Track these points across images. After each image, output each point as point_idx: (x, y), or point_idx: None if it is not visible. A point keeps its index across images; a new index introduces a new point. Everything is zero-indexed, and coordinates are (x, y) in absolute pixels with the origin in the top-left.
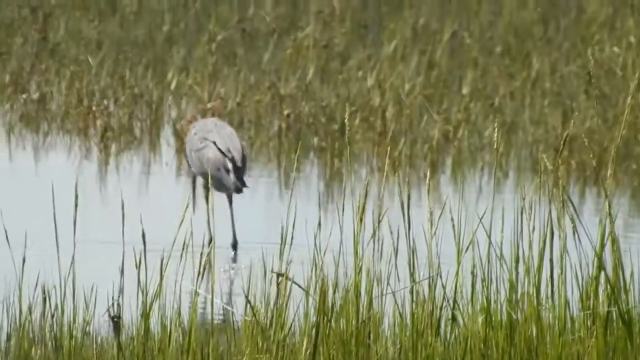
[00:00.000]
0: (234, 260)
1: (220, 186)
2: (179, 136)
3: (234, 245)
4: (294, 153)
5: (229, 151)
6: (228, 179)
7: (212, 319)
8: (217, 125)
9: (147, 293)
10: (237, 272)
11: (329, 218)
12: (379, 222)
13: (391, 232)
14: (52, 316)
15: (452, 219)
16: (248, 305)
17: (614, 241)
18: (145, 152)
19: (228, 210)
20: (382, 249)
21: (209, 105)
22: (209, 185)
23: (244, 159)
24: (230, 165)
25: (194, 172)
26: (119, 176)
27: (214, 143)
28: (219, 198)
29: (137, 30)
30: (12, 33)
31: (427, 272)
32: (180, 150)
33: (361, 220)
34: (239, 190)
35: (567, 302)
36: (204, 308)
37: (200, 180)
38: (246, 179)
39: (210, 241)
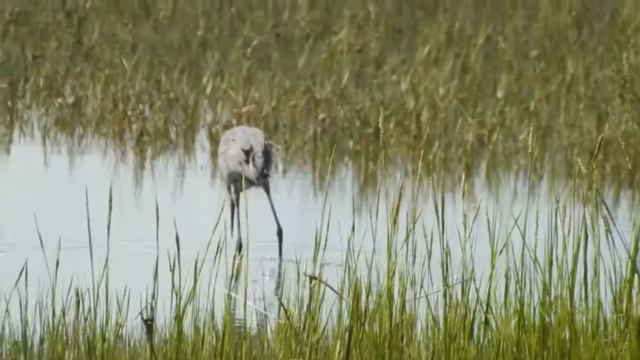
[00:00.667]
0: (268, 263)
1: (246, 179)
2: (214, 140)
3: (279, 234)
4: (328, 156)
5: (249, 143)
6: (248, 169)
7: (246, 322)
8: (244, 129)
9: (181, 296)
10: (270, 275)
11: (362, 221)
12: (413, 225)
13: (425, 235)
14: (85, 319)
15: (487, 221)
16: (281, 308)
17: None
18: (180, 156)
19: (267, 201)
20: (415, 252)
21: (243, 110)
22: (238, 185)
23: (266, 151)
24: (252, 156)
25: (226, 179)
26: (154, 180)
27: (233, 140)
28: (253, 198)
29: (172, 34)
30: (47, 37)
31: (461, 275)
32: (215, 154)
33: (395, 222)
34: (261, 178)
35: (600, 305)
36: (237, 311)
37: (232, 187)
38: (272, 172)
39: (240, 245)
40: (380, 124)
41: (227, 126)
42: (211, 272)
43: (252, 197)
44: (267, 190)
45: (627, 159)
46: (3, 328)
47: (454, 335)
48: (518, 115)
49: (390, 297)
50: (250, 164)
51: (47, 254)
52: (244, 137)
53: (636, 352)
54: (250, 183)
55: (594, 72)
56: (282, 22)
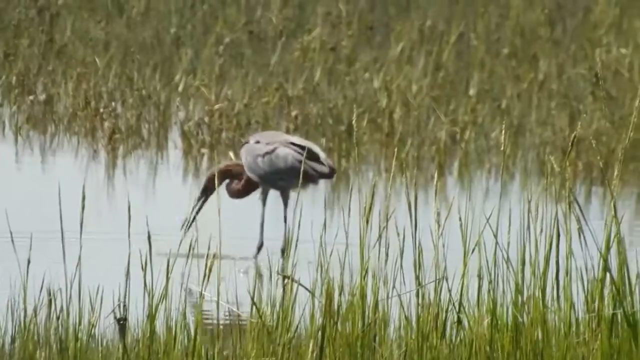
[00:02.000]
0: (240, 262)
1: (303, 181)
2: (187, 137)
3: (260, 247)
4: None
5: (305, 143)
6: (319, 165)
7: (218, 321)
8: (277, 134)
9: (153, 295)
10: (243, 273)
11: (335, 219)
12: (386, 223)
13: (398, 234)
14: (58, 318)
15: (460, 220)
16: (254, 307)
17: (620, 243)
18: (152, 154)
19: (282, 212)
20: (388, 250)
21: (215, 107)
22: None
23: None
24: (316, 149)
25: (261, 180)
26: (126, 178)
27: (273, 144)
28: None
29: (145, 31)
30: (19, 34)
31: (434, 274)
32: (188, 152)
33: (367, 221)
34: (332, 175)
35: (572, 305)
36: (210, 310)
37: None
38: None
39: (260, 246)
40: (353, 122)
41: (199, 124)
42: (183, 271)
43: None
44: (285, 201)
45: (599, 157)
46: None
47: (427, 335)
48: (490, 113)
49: (363, 296)
50: (320, 163)
51: (19, 253)
52: (290, 145)
53: (608, 351)
54: (296, 181)
55: (566, 70)
56: (255, 20)
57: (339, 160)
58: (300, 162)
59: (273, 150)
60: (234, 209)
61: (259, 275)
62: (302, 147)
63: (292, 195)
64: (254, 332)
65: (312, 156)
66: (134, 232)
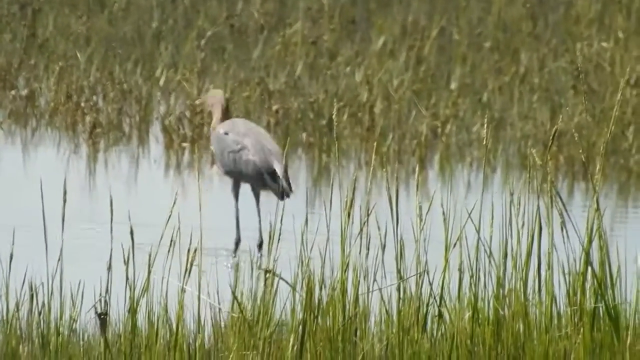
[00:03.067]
0: (223, 257)
1: (263, 187)
2: (168, 132)
3: (237, 242)
4: (282, 148)
5: (265, 159)
6: (275, 185)
7: (199, 315)
8: (249, 127)
9: (135, 289)
10: (225, 268)
11: (316, 213)
12: (367, 217)
13: (379, 228)
14: (39, 313)
15: (442, 214)
16: (235, 301)
17: (602, 237)
18: (134, 148)
19: (233, 207)
20: (369, 244)
21: (197, 102)
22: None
23: (286, 167)
24: (278, 170)
25: (222, 171)
26: (107, 172)
27: (245, 148)
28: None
29: (126, 26)
30: (1, 29)
31: (415, 268)
32: (169, 146)
33: (349, 215)
34: (286, 196)
35: (554, 298)
36: (191, 305)
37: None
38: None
39: (238, 241)
40: (333, 116)
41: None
42: (164, 265)
43: (207, 189)
44: (258, 197)
45: (581, 150)
46: None
47: (408, 329)
48: (472, 106)
49: (344, 291)
50: (279, 180)
51: (0, 247)
52: (257, 146)
53: (589, 344)
54: (263, 187)
55: (547, 64)
56: (236, 14)
57: (319, 155)
58: (261, 173)
59: (239, 151)
60: (215, 201)
61: (239, 269)
62: (268, 159)
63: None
64: (235, 327)
65: (271, 173)
66: (115, 226)
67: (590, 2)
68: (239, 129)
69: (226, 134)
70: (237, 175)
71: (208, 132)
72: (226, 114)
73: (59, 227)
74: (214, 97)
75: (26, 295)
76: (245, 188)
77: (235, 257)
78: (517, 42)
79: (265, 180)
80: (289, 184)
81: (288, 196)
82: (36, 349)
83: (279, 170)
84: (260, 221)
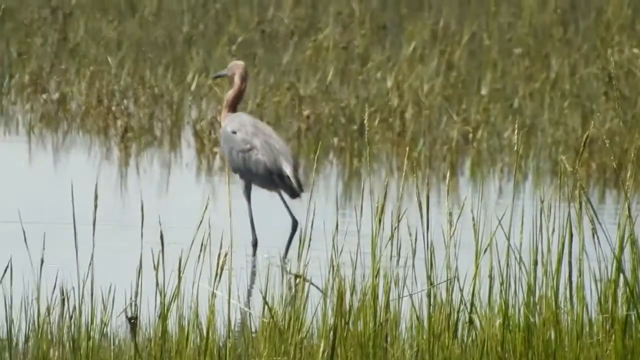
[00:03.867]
0: (253, 261)
1: (273, 187)
2: (199, 136)
3: (255, 244)
4: (313, 154)
5: (275, 161)
6: (284, 185)
7: (230, 320)
8: (257, 126)
9: (165, 294)
10: (255, 273)
11: (347, 219)
12: (398, 223)
13: (409, 234)
14: (70, 317)
15: (472, 220)
16: (266, 306)
17: (634, 244)
18: (165, 153)
19: (247, 209)
20: (399, 250)
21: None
22: (246, 183)
23: (296, 162)
24: (287, 171)
25: (233, 171)
26: (138, 176)
27: (255, 149)
28: (239, 198)
29: (157, 30)
30: (32, 33)
31: (445, 274)
32: (201, 151)
33: (380, 221)
34: (297, 196)
35: (585, 305)
36: (222, 309)
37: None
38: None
39: (255, 243)
40: (365, 121)
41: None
42: (195, 270)
43: (238, 193)
44: (249, 199)
45: (612, 157)
46: None
47: (438, 335)
48: (502, 112)
49: (375, 296)
50: (290, 180)
51: (32, 252)
52: (266, 147)
53: (621, 352)
54: (270, 187)
55: (578, 70)
56: (267, 19)
57: (350, 160)
58: (270, 173)
59: (249, 150)
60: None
61: (270, 273)
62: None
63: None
64: (265, 332)
65: (280, 173)
66: (146, 230)
67: (621, 8)
68: (247, 129)
69: (234, 132)
70: (245, 174)
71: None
72: (243, 83)
73: (90, 231)
74: (236, 64)
75: (57, 299)
76: (257, 189)
77: (265, 261)
78: (548, 48)
79: (274, 180)
80: (299, 184)
81: (299, 196)
82: (67, 353)
83: (288, 171)
84: (252, 222)
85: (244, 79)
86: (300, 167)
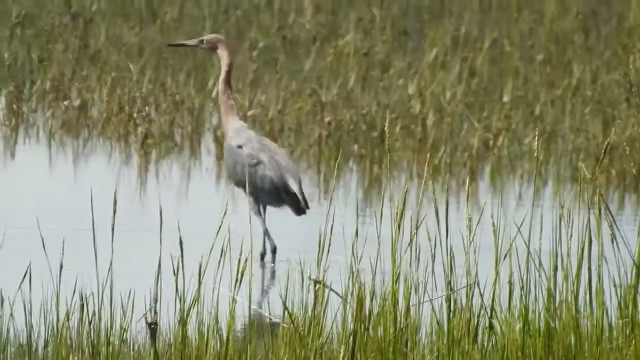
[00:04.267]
0: (273, 267)
1: (279, 203)
2: (220, 143)
3: (274, 250)
4: (334, 160)
5: (287, 172)
6: (291, 202)
7: (250, 326)
8: (263, 143)
9: (185, 300)
10: (275, 279)
11: (367, 225)
12: (417, 229)
13: (430, 240)
14: (90, 323)
15: (493, 226)
16: (286, 312)
17: None
18: (185, 159)
19: (260, 224)
20: (420, 256)
21: (249, 113)
22: (252, 196)
23: (300, 179)
24: (294, 188)
25: (235, 184)
26: (158, 183)
27: (262, 163)
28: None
29: (178, 37)
30: (53, 40)
31: (465, 280)
32: (220, 157)
33: (399, 227)
34: (303, 213)
35: (605, 311)
36: (242, 315)
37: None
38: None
39: (274, 250)
40: (386, 128)
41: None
42: (215, 276)
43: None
44: (265, 209)
45: (633, 164)
46: (8, 331)
47: (459, 340)
48: (524, 119)
49: (395, 302)
50: (298, 196)
51: (51, 258)
52: (273, 163)
53: None
54: (276, 204)
55: (600, 77)
56: (288, 25)
57: (371, 167)
58: (278, 189)
59: (256, 165)
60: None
61: (290, 279)
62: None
63: (316, 201)
64: (286, 337)
65: (287, 189)
66: (166, 237)
67: None
68: (254, 144)
69: (240, 147)
70: (251, 189)
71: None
72: (231, 56)
73: (109, 237)
74: (216, 37)
75: (77, 305)
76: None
77: (285, 267)
78: (569, 55)
79: (281, 196)
80: (305, 201)
81: (305, 212)
82: (86, 358)
83: (295, 188)
84: (266, 233)
85: (229, 51)
86: (302, 185)
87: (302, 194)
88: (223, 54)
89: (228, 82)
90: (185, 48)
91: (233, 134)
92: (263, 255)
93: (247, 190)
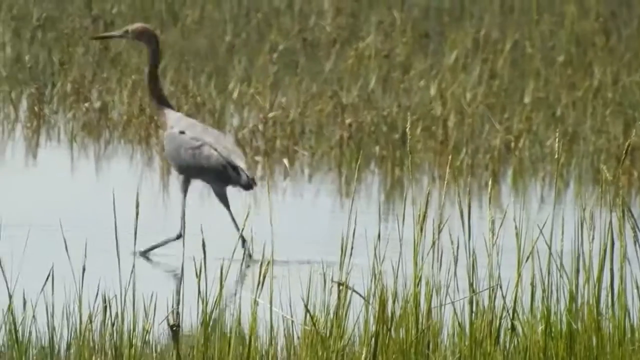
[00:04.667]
0: (295, 269)
1: (226, 181)
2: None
3: (179, 237)
4: (355, 162)
5: (232, 153)
6: (238, 177)
7: (272, 328)
8: (206, 128)
9: (207, 302)
10: (297, 281)
11: (389, 227)
12: (439, 231)
13: (452, 242)
14: (112, 325)
15: (515, 228)
16: (307, 314)
17: None
18: None
19: (181, 203)
20: (441, 258)
21: (270, 115)
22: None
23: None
24: (240, 163)
25: (180, 170)
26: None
27: (205, 144)
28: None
29: (199, 39)
30: (74, 42)
31: (487, 282)
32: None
33: (421, 229)
34: (250, 187)
35: (627, 312)
36: (263, 317)
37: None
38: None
39: (178, 237)
40: (407, 130)
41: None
42: (237, 278)
43: (279, 201)
44: (226, 201)
45: None
46: (30, 333)
47: (480, 342)
48: (545, 121)
49: (417, 304)
50: (242, 172)
51: (74, 260)
52: (218, 144)
53: None
54: (224, 184)
55: (621, 78)
56: (309, 27)
57: (392, 169)
58: (224, 166)
59: (200, 147)
60: (287, 214)
61: (311, 281)
62: (228, 154)
63: (338, 203)
64: (307, 339)
65: (233, 164)
66: (188, 238)
67: None
68: (196, 129)
69: (182, 132)
70: (196, 172)
71: (279, 145)
72: (155, 44)
73: (131, 239)
74: (142, 26)
75: (99, 307)
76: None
77: (307, 269)
78: (590, 56)
79: (227, 172)
80: (252, 176)
81: (252, 188)
82: None
83: (241, 163)
84: (236, 226)
85: (156, 41)
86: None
87: (249, 169)
88: (148, 44)
89: (154, 74)
90: (206, 50)
91: (173, 122)
92: (179, 237)
93: (186, 173)
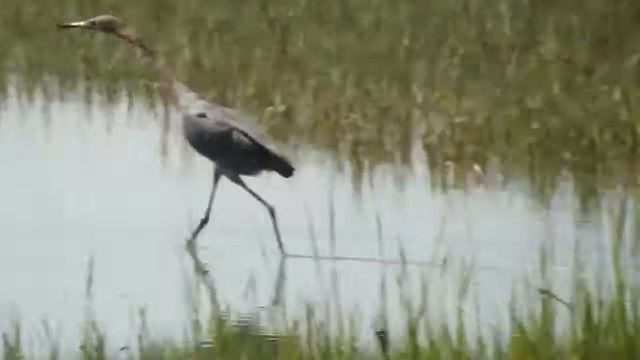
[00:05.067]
0: (495, 276)
1: (257, 168)
2: (430, 151)
3: (205, 221)
4: (545, 168)
5: (262, 137)
6: (275, 163)
7: (481, 336)
8: (224, 110)
9: (412, 309)
10: (494, 287)
11: (588, 234)
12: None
13: None
14: (318, 331)
15: None
16: (515, 322)
17: None
18: (397, 167)
19: (212, 188)
20: None
21: (456, 120)
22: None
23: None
24: (275, 150)
25: (203, 154)
26: (372, 191)
27: (244, 134)
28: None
29: (376, 44)
30: (252, 46)
31: None
32: (432, 165)
33: (619, 235)
34: (290, 173)
35: None
36: (469, 325)
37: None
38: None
39: (203, 222)
40: (594, 136)
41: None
42: (440, 285)
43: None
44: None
45: None
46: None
47: None
48: None
49: (623, 311)
50: (275, 159)
51: (270, 265)
52: (247, 127)
53: None
54: (250, 171)
55: None
56: (487, 32)
57: (584, 174)
58: (256, 152)
59: (228, 132)
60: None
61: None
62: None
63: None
64: (517, 348)
65: (268, 152)
66: (385, 244)
67: None
68: (216, 112)
69: (202, 115)
70: (224, 159)
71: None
72: (132, 35)
73: (327, 247)
74: (109, 17)
75: (303, 313)
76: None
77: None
78: None
79: (263, 160)
80: (289, 161)
81: (291, 174)
82: None
83: (274, 149)
84: (259, 198)
85: (122, 27)
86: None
87: (284, 156)
88: (124, 33)
89: (145, 49)
90: (384, 54)
91: (187, 102)
92: (204, 222)
93: (219, 163)
